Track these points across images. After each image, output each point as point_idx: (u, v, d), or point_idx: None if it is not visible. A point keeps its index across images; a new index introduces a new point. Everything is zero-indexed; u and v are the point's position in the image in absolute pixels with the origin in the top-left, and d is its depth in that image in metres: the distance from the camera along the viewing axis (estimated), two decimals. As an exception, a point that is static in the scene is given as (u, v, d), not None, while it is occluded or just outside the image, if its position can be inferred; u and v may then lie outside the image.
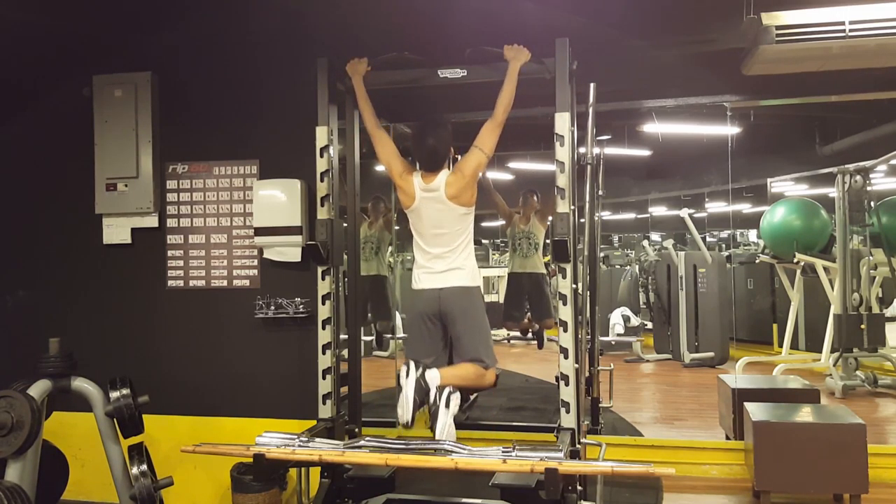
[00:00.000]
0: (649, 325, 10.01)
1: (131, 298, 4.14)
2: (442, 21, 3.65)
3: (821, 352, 7.27)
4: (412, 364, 3.07)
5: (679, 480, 4.41)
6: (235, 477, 3.45)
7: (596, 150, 3.80)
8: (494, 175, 7.27)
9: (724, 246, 12.29)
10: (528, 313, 6.50)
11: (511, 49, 3.23)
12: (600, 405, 4.69)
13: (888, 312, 7.74)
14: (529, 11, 3.67)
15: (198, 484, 3.89)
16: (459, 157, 3.35)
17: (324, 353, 3.53)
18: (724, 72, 4.27)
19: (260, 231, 3.87)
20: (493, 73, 3.32)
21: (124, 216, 4.11)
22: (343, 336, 3.68)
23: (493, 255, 13.58)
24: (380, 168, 5.75)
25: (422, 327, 3.27)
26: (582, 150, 3.70)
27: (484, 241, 13.56)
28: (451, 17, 3.62)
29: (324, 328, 3.54)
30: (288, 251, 3.87)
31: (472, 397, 5.97)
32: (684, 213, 9.15)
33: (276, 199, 3.83)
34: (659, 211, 13.10)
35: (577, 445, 3.13)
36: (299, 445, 2.98)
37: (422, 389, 3.01)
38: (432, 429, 3.00)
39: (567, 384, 3.17)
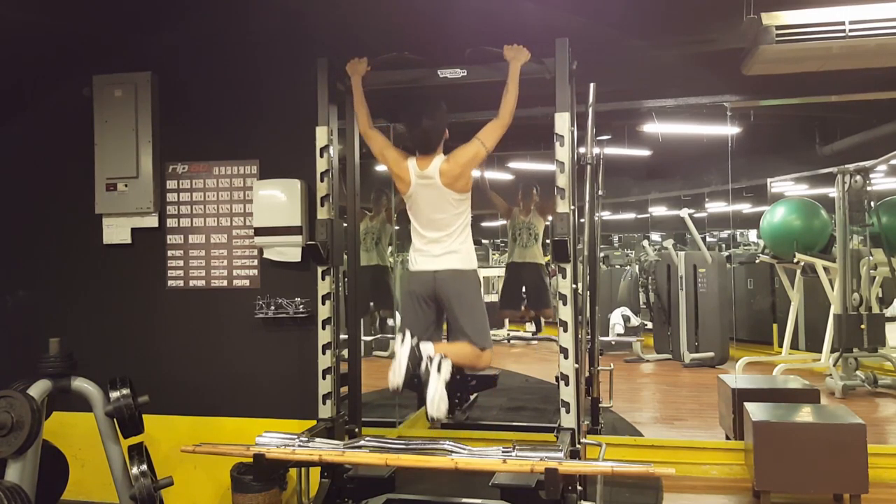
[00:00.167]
0: (649, 325, 10.01)
1: (131, 298, 4.14)
2: (442, 21, 3.65)
3: (821, 352, 7.27)
4: (408, 333, 3.08)
5: (679, 480, 4.40)
6: (235, 477, 3.45)
7: (596, 150, 3.80)
8: (494, 175, 7.27)
9: (724, 246, 12.29)
10: (526, 303, 6.50)
11: (511, 49, 3.23)
12: (600, 405, 4.70)
13: (888, 312, 7.74)
14: (529, 11, 3.67)
15: (198, 484, 3.89)
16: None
17: (324, 353, 3.53)
18: (724, 72, 4.28)
19: (260, 231, 3.86)
20: (493, 73, 3.32)
21: (124, 216, 4.11)
22: (343, 336, 3.68)
23: (493, 255, 13.58)
24: (379, 168, 5.78)
25: (416, 308, 3.27)
26: (582, 150, 3.70)
27: (484, 241, 13.56)
28: (451, 17, 3.62)
29: (324, 328, 3.54)
30: (288, 251, 3.87)
31: (472, 397, 5.98)
32: (684, 213, 9.14)
33: (276, 199, 3.83)
34: (659, 211, 13.10)
35: (577, 445, 3.13)
36: (299, 445, 2.98)
37: (415, 357, 3.03)
38: (424, 396, 3.02)
39: (567, 384, 3.17)
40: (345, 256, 3.74)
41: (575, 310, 3.24)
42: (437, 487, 3.86)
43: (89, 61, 4.10)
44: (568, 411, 3.16)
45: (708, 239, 11.53)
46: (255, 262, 4.01)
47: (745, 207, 11.56)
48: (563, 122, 3.18)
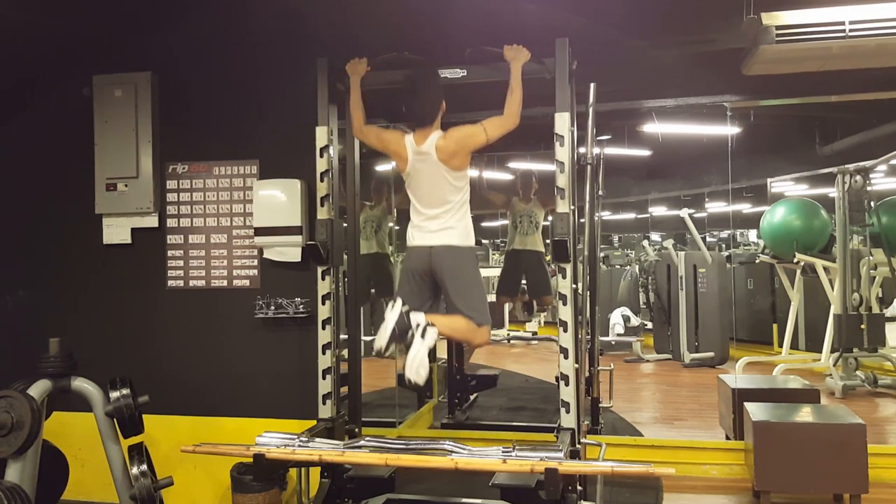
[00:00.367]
0: (649, 325, 10.01)
1: (131, 298, 4.14)
2: (442, 21, 3.65)
3: (821, 352, 7.27)
4: (399, 300, 3.07)
5: (679, 480, 4.40)
6: (235, 477, 3.45)
7: (596, 150, 3.81)
8: (494, 175, 7.26)
9: (724, 246, 12.28)
10: (526, 291, 6.50)
11: (511, 49, 3.23)
12: (600, 405, 4.71)
13: (888, 312, 7.73)
14: (529, 11, 3.67)
15: (198, 484, 3.89)
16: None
17: (324, 353, 3.53)
18: (724, 72, 4.28)
19: (260, 231, 3.87)
20: (493, 73, 3.33)
21: (124, 216, 4.11)
22: (343, 336, 3.68)
23: (493, 255, 13.57)
24: (379, 168, 5.78)
25: (411, 282, 3.27)
26: (582, 150, 3.70)
27: (484, 241, 13.55)
28: (451, 17, 3.62)
29: (324, 328, 3.54)
30: (288, 251, 3.87)
31: (472, 397, 5.98)
32: (684, 213, 9.14)
33: (276, 199, 3.83)
34: (659, 211, 13.09)
35: (577, 445, 3.13)
36: (299, 445, 2.98)
37: (403, 324, 3.01)
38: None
39: (567, 384, 3.17)
40: (345, 256, 3.74)
41: (575, 310, 3.24)
42: (437, 487, 3.87)
43: (89, 61, 4.10)
44: (568, 411, 3.17)
45: (708, 239, 11.53)
46: (255, 262, 4.01)
47: (745, 207, 11.55)
48: (563, 122, 3.19)
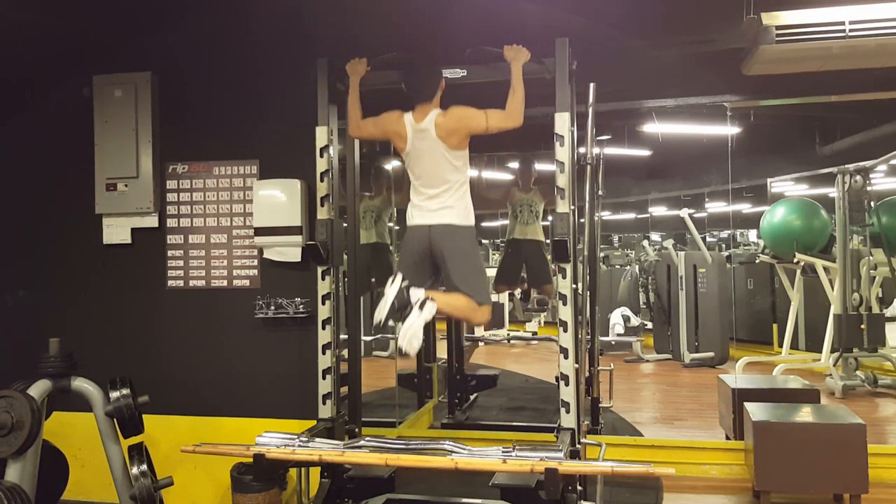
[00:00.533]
0: (649, 325, 10.00)
1: (131, 298, 4.14)
2: (442, 21, 3.65)
3: (821, 352, 7.27)
4: (400, 276, 3.08)
5: (679, 480, 4.40)
6: (235, 477, 3.45)
7: (596, 150, 3.80)
8: (493, 175, 7.26)
9: (724, 246, 12.28)
10: (527, 280, 6.49)
11: (511, 49, 3.23)
12: (600, 405, 4.71)
13: (888, 312, 7.73)
14: (529, 11, 3.67)
15: (198, 484, 3.89)
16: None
17: (324, 353, 3.53)
18: (724, 72, 4.28)
19: (260, 231, 3.87)
20: (493, 73, 3.33)
21: (124, 216, 4.11)
22: (343, 336, 3.68)
23: (494, 255, 13.57)
24: (380, 160, 5.77)
25: (410, 261, 3.27)
26: (582, 150, 3.70)
27: (484, 241, 13.55)
28: (451, 17, 3.62)
29: (324, 328, 3.54)
30: (288, 251, 3.87)
31: (472, 397, 5.98)
32: (684, 213, 9.14)
33: (276, 199, 3.83)
34: (659, 211, 13.09)
35: (577, 445, 3.13)
36: (299, 445, 2.98)
37: (403, 298, 3.02)
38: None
39: (567, 384, 3.17)
40: (345, 256, 3.74)
41: (575, 310, 3.24)
42: (437, 487, 3.87)
43: (89, 61, 4.10)
44: (568, 411, 3.17)
45: (708, 239, 11.53)
46: (255, 262, 4.01)
47: (745, 207, 11.55)
48: (563, 122, 3.19)
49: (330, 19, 3.87)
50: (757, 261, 9.20)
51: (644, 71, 4.54)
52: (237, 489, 3.43)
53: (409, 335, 3.00)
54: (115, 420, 3.27)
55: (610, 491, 3.93)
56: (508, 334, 10.90)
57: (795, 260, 7.41)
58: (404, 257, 3.32)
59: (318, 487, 3.39)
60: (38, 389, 3.13)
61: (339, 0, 3.88)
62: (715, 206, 10.93)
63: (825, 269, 7.24)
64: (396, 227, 5.87)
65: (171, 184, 4.12)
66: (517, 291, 7.08)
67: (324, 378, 3.51)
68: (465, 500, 3.54)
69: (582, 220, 3.80)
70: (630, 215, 13.99)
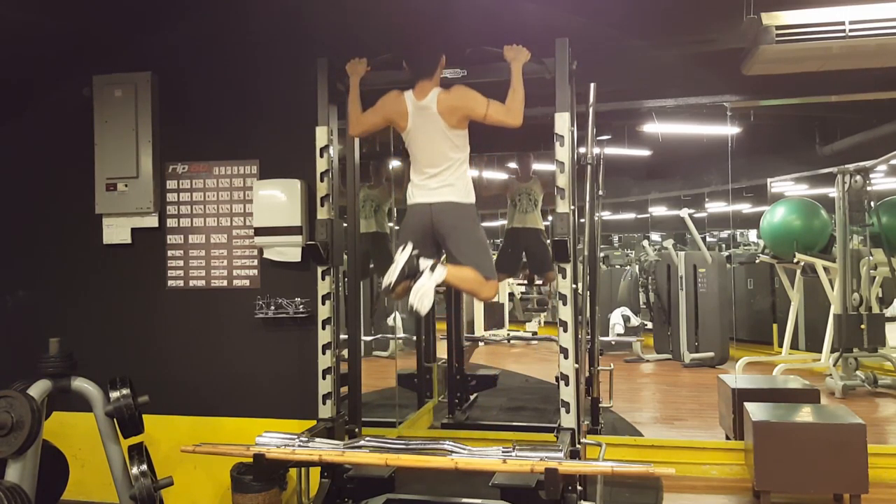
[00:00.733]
0: (649, 325, 10.00)
1: (131, 298, 4.14)
2: (442, 21, 3.65)
3: (821, 352, 7.27)
4: (410, 244, 3.08)
5: (679, 480, 4.40)
6: (235, 477, 3.45)
7: (596, 150, 3.80)
8: (492, 175, 7.26)
9: (724, 246, 12.28)
10: (528, 268, 6.49)
11: (511, 49, 3.24)
12: (600, 405, 4.71)
13: (888, 312, 7.73)
14: (529, 11, 3.67)
15: (198, 484, 3.89)
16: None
17: (324, 353, 3.53)
18: (724, 72, 4.28)
19: (260, 231, 3.87)
20: (493, 73, 3.33)
21: (124, 216, 4.11)
22: (343, 336, 3.68)
23: (494, 254, 13.57)
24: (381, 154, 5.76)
25: (410, 239, 3.24)
26: (582, 150, 3.70)
27: (484, 241, 13.53)
28: (451, 17, 3.62)
29: (324, 328, 3.54)
30: (288, 251, 3.87)
31: (472, 397, 5.98)
32: (684, 213, 9.14)
33: (276, 199, 3.83)
34: (659, 211, 13.09)
35: (577, 445, 3.13)
36: (299, 445, 2.98)
37: (413, 265, 3.04)
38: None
39: (567, 384, 3.17)
40: (345, 256, 3.74)
41: (575, 310, 3.24)
42: (437, 487, 3.86)
43: (89, 61, 4.10)
44: (568, 411, 3.17)
45: (708, 239, 11.53)
46: (255, 262, 4.01)
47: (745, 207, 11.56)
48: (563, 122, 3.19)
49: (330, 19, 3.87)
50: (757, 261, 9.20)
51: (644, 71, 4.54)
52: (237, 489, 3.43)
53: (421, 294, 3.02)
54: (115, 420, 3.27)
55: (610, 491, 3.93)
56: (508, 334, 10.90)
57: (795, 260, 7.41)
58: (405, 235, 3.30)
59: (318, 487, 3.39)
60: (38, 389, 3.13)
61: (339, 0, 3.88)
62: (715, 206, 10.93)
63: (825, 269, 7.24)
64: (397, 228, 5.87)
65: (171, 184, 4.12)
66: (520, 288, 7.10)
67: (324, 378, 3.51)
68: (465, 500, 3.54)
69: (582, 220, 3.80)
70: (630, 215, 13.99)
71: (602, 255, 10.25)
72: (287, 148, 3.89)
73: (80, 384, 3.28)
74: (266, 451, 2.93)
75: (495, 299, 11.30)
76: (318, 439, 3.11)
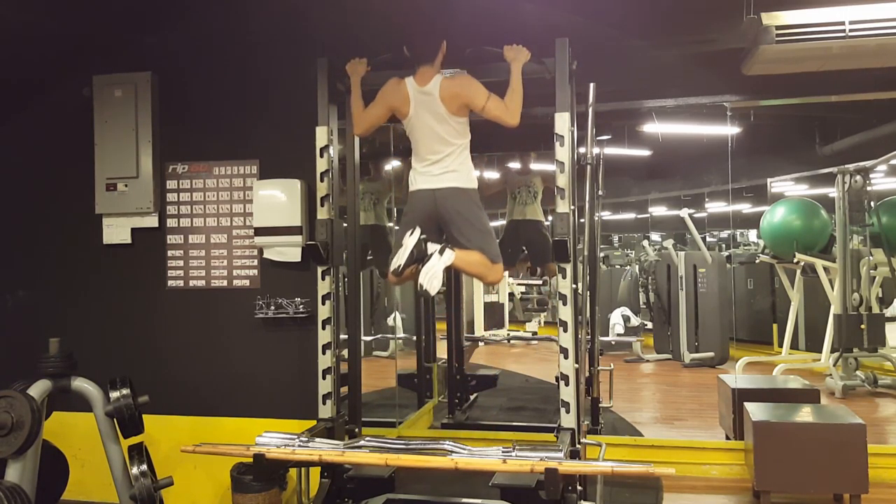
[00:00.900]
0: (649, 325, 10.01)
1: (131, 298, 4.14)
2: (442, 21, 3.65)
3: (821, 352, 7.27)
4: (419, 229, 3.09)
5: (679, 480, 4.40)
6: (235, 477, 3.44)
7: (596, 150, 3.80)
8: (491, 175, 7.27)
9: (724, 246, 12.29)
10: (529, 260, 6.49)
11: (511, 49, 3.24)
12: (600, 405, 4.71)
13: (888, 312, 7.73)
14: (529, 11, 3.67)
15: (198, 484, 3.89)
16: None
17: (324, 353, 3.53)
18: (724, 72, 4.27)
19: (260, 231, 3.87)
20: (492, 73, 3.32)
21: (124, 216, 4.11)
22: (343, 336, 3.68)
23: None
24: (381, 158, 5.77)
25: (414, 225, 3.24)
26: (582, 150, 3.70)
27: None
28: (451, 17, 3.62)
29: (324, 328, 3.54)
30: (288, 251, 3.87)
31: (472, 397, 5.98)
32: (684, 213, 9.15)
33: (276, 199, 3.83)
34: (659, 211, 13.09)
35: (577, 445, 3.13)
36: (299, 445, 2.98)
37: (421, 249, 3.06)
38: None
39: (567, 384, 3.17)
40: (344, 256, 3.74)
41: (575, 310, 3.24)
42: (437, 487, 3.87)
43: (89, 61, 4.09)
44: (568, 411, 3.16)
45: (708, 239, 11.53)
46: (255, 262, 4.01)
47: (745, 207, 11.56)
48: (563, 122, 3.18)
49: (330, 19, 3.87)
50: (757, 261, 9.20)
51: (644, 71, 4.54)
52: (237, 489, 3.43)
53: (430, 275, 3.03)
54: (115, 420, 3.27)
55: (610, 491, 3.93)
56: (508, 334, 10.91)
57: (795, 260, 7.41)
58: (408, 222, 3.30)
59: (318, 487, 3.39)
60: (38, 389, 3.13)
61: (339, 0, 3.88)
62: (715, 206, 10.93)
63: (825, 269, 7.24)
64: (397, 228, 5.87)
65: (171, 184, 4.12)
66: (520, 288, 7.10)
67: (324, 378, 3.51)
68: (465, 500, 3.54)
69: (582, 220, 3.80)
70: (630, 215, 13.99)
71: (602, 255, 10.27)
72: (287, 148, 3.89)
73: (80, 384, 3.28)
74: (266, 451, 2.93)
75: (495, 299, 11.35)
76: (318, 439, 3.11)
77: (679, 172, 10.70)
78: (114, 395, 3.24)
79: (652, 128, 7.14)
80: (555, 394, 3.34)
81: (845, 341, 6.69)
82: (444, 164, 3.23)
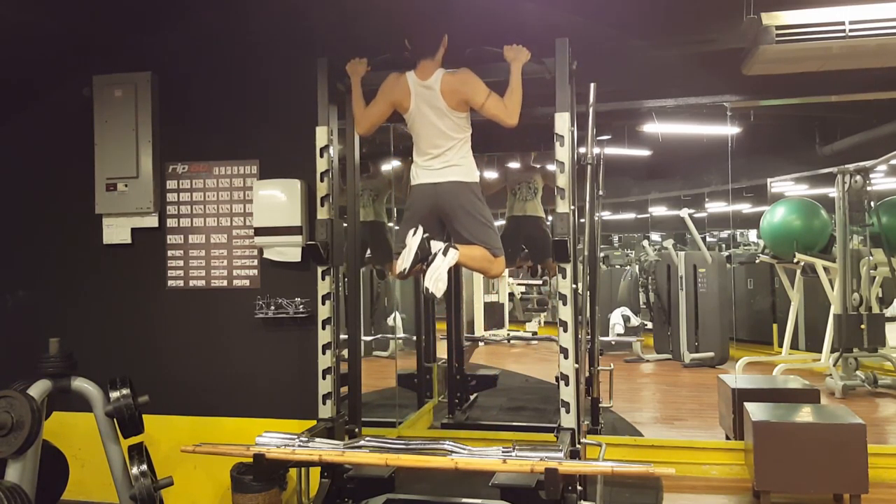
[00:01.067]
0: (649, 325, 10.01)
1: (131, 298, 4.14)
2: (442, 21, 3.65)
3: (821, 352, 7.27)
4: (421, 228, 3.09)
5: (679, 480, 4.40)
6: (235, 477, 3.45)
7: (596, 150, 3.80)
8: (490, 175, 7.27)
9: (724, 246, 12.29)
10: (529, 256, 6.49)
11: (511, 49, 3.24)
12: (600, 405, 4.71)
13: (888, 312, 7.73)
14: (529, 11, 3.67)
15: (198, 484, 3.89)
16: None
17: (324, 353, 3.53)
18: (724, 72, 4.27)
19: (260, 231, 3.87)
20: (493, 73, 3.32)
21: (124, 216, 4.11)
22: (343, 336, 3.68)
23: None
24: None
25: (416, 220, 3.25)
26: (582, 150, 3.70)
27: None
28: (451, 17, 3.61)
29: (324, 328, 3.54)
30: (288, 251, 3.87)
31: (472, 397, 5.98)
32: (684, 213, 9.15)
33: (276, 199, 3.83)
34: (659, 211, 13.09)
35: (577, 445, 3.13)
36: (299, 445, 2.98)
37: (424, 249, 3.06)
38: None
39: (567, 384, 3.17)
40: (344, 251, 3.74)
41: (575, 310, 3.24)
42: (437, 487, 3.87)
43: (89, 61, 4.10)
44: (568, 411, 3.16)
45: (708, 239, 11.53)
46: (255, 262, 4.01)
47: (745, 207, 11.56)
48: (563, 122, 3.18)
49: (330, 19, 3.87)
50: (757, 261, 9.20)
51: (644, 71, 4.54)
52: (237, 489, 3.43)
53: (435, 277, 3.04)
54: (115, 420, 3.27)
55: (610, 491, 3.93)
56: (508, 334, 10.91)
57: (795, 260, 7.41)
58: (410, 217, 3.30)
59: (318, 487, 3.39)
60: (38, 389, 3.13)
61: (338, 0, 3.88)
62: (715, 206, 10.93)
63: (825, 269, 7.24)
64: (397, 228, 5.87)
65: (171, 184, 4.12)
66: (520, 288, 7.08)
67: (324, 378, 3.51)
68: (465, 500, 3.54)
69: (582, 220, 3.80)
70: (630, 215, 14.00)
71: (602, 255, 10.25)
72: (287, 148, 3.89)
73: (80, 384, 3.28)
74: (266, 451, 2.93)
75: (495, 299, 11.35)
76: (318, 439, 3.11)
77: (679, 172, 10.70)
78: (114, 395, 3.24)
79: (652, 128, 7.14)
80: (555, 394, 3.34)
81: (845, 341, 6.69)
82: (445, 159, 3.23)
